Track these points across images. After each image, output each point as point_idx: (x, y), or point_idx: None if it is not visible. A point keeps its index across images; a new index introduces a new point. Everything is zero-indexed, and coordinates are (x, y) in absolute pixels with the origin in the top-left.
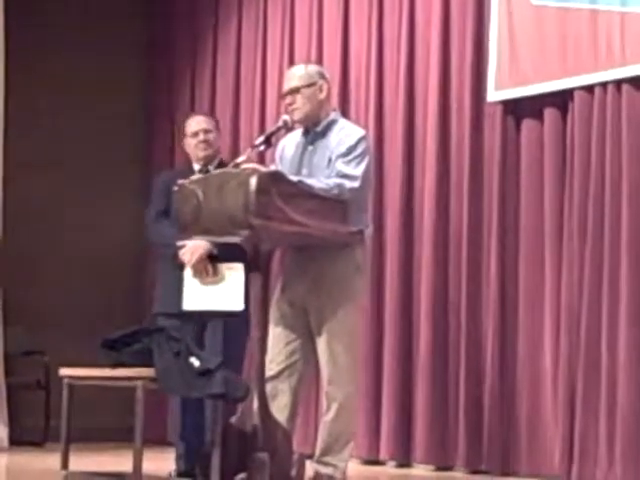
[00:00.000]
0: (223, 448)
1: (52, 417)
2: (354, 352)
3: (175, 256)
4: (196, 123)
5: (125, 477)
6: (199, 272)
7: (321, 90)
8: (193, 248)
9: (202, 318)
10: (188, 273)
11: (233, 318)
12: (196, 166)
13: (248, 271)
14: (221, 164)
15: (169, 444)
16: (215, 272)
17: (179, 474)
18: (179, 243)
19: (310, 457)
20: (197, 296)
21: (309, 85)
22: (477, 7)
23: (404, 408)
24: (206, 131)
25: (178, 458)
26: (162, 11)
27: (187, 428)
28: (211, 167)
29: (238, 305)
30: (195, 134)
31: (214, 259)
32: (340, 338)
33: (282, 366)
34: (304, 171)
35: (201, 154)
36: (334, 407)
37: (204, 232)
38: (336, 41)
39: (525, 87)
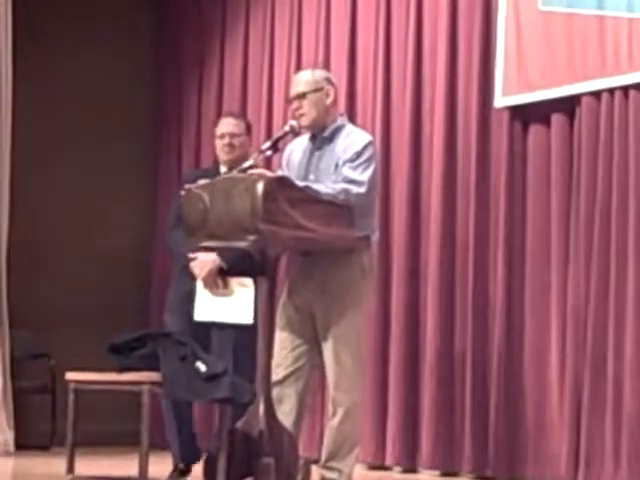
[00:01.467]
0: (229, 452)
1: (58, 421)
2: (360, 357)
3: (186, 266)
4: (225, 125)
5: None
6: (209, 285)
7: (327, 95)
8: (203, 263)
9: (208, 326)
10: (200, 284)
11: (243, 331)
12: (223, 168)
13: (257, 286)
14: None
15: None
16: (225, 286)
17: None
18: (190, 255)
19: (316, 462)
20: (208, 307)
21: (315, 90)
22: (484, 13)
23: (410, 413)
24: (232, 135)
25: (175, 457)
26: (170, 15)
27: (180, 428)
28: (236, 171)
29: (247, 318)
30: (222, 136)
31: (224, 273)
32: (346, 343)
33: (288, 371)
34: (311, 176)
35: (225, 157)
36: (340, 412)
37: (210, 237)
38: (343, 46)
39: (532, 93)
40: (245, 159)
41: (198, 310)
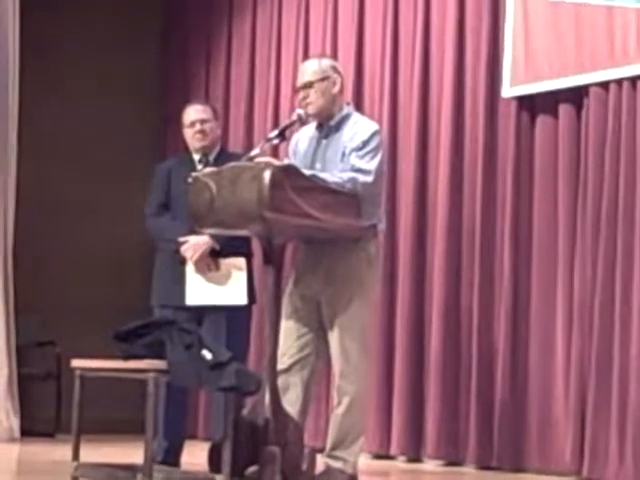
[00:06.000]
0: (234, 441)
1: (63, 408)
2: (366, 346)
3: (176, 251)
4: (193, 113)
5: (136, 469)
6: (201, 268)
7: (334, 84)
8: (196, 245)
9: (200, 312)
10: (190, 268)
11: (235, 313)
12: (196, 156)
13: (250, 266)
14: (221, 153)
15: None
16: (217, 267)
17: (158, 463)
18: (181, 239)
19: (321, 451)
20: (200, 291)
21: (322, 79)
22: (493, 2)
23: (415, 403)
24: (202, 121)
25: (158, 447)
26: (177, 3)
27: (168, 420)
28: (211, 157)
29: (241, 299)
30: (192, 124)
31: (216, 254)
32: (352, 332)
33: (294, 360)
34: (317, 165)
35: (198, 145)
36: (345, 401)
37: (217, 225)
38: (351, 35)
39: (540, 83)
40: (216, 144)
41: (190, 295)
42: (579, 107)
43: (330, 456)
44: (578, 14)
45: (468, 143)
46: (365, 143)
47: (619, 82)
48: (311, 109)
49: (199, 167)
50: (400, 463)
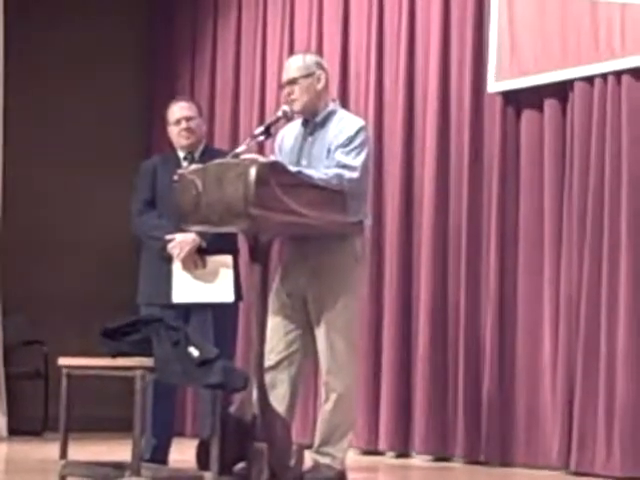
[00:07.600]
0: (222, 438)
1: (51, 406)
2: (353, 342)
3: (163, 249)
4: (178, 110)
5: (124, 467)
6: (188, 266)
7: (319, 80)
8: (182, 243)
9: (187, 309)
10: (177, 266)
11: (222, 310)
12: (181, 153)
13: (236, 262)
14: (206, 150)
15: None
16: (204, 265)
17: (146, 461)
18: (167, 237)
19: (309, 447)
20: (187, 289)
21: (307, 76)
22: None
23: (403, 399)
24: (188, 118)
25: (146, 444)
26: (162, 0)
27: (156, 418)
28: (196, 154)
29: (228, 297)
30: (177, 122)
31: (202, 252)
32: (339, 329)
33: (281, 356)
34: (303, 162)
35: (184, 142)
36: (333, 397)
37: (203, 222)
38: (336, 31)
39: (525, 78)
40: (201, 141)
41: (176, 293)
42: (564, 102)
43: (318, 452)
44: (563, 9)
45: (454, 139)
46: (351, 139)
47: (604, 77)
48: (296, 105)
49: (184, 164)
50: (388, 459)
